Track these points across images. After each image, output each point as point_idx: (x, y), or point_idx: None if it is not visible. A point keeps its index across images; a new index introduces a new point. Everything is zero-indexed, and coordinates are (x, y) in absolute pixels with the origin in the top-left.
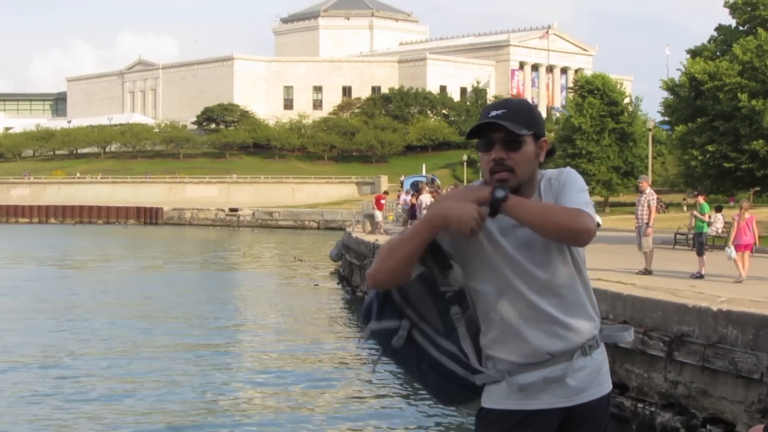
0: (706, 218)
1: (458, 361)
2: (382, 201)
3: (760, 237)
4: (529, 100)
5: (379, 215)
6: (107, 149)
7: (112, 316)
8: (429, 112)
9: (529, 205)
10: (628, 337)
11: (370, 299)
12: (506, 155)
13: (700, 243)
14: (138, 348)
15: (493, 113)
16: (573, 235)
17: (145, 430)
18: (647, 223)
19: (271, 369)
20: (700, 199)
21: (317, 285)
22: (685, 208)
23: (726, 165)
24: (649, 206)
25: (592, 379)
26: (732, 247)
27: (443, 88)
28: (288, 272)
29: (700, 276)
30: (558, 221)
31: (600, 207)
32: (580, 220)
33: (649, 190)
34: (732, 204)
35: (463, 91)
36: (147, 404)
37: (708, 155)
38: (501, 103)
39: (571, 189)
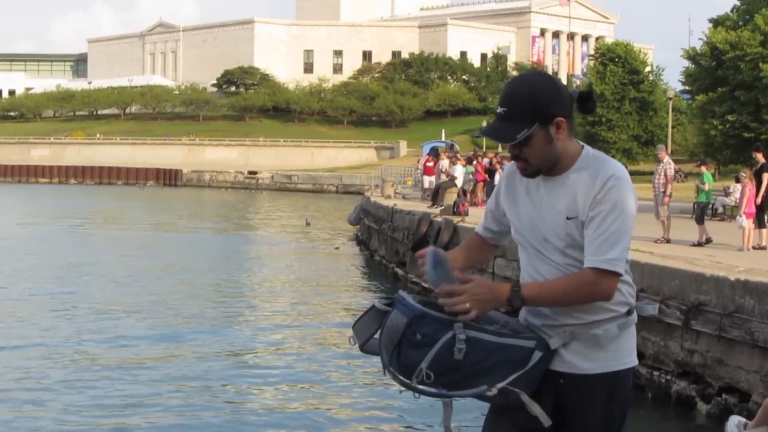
0: (705, 187)
1: (524, 337)
2: (430, 164)
3: None
4: (549, 69)
5: (428, 181)
6: (127, 111)
7: (122, 278)
8: (449, 77)
9: (547, 296)
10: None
11: (392, 345)
12: (518, 150)
13: (701, 211)
14: (148, 312)
15: (498, 110)
16: (595, 302)
17: (158, 391)
18: (664, 192)
19: (287, 335)
20: (703, 168)
21: (338, 248)
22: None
23: (746, 135)
24: (666, 175)
25: None
26: (743, 216)
27: (464, 54)
28: (305, 236)
29: (704, 242)
30: (577, 301)
31: None
32: (597, 292)
33: (666, 159)
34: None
35: (484, 57)
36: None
37: (728, 125)
38: (505, 94)
39: (602, 223)
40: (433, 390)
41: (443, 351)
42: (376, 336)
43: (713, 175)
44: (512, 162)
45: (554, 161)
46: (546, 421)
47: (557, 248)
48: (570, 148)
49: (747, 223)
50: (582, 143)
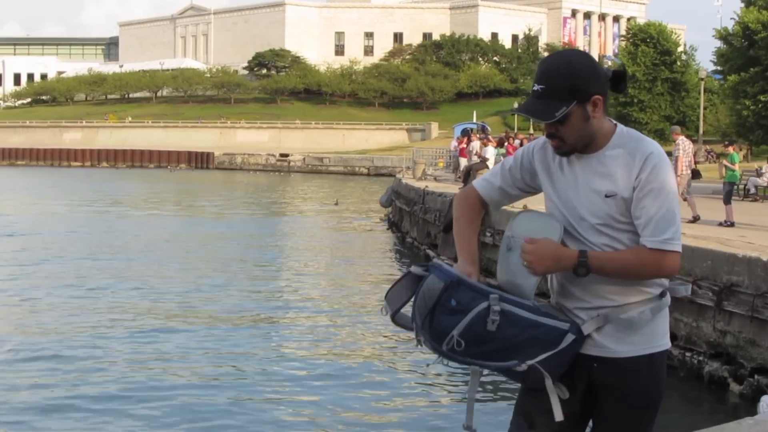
0: (736, 167)
1: (559, 318)
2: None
3: None
4: (583, 49)
5: (464, 163)
6: (159, 94)
7: (152, 261)
8: (480, 59)
9: (614, 268)
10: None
11: (426, 312)
12: (555, 129)
13: (728, 192)
14: (176, 293)
15: (535, 88)
16: (659, 278)
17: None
18: (675, 173)
19: (317, 317)
20: (731, 149)
21: (370, 230)
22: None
23: None
24: (677, 156)
25: None
26: None
27: (495, 35)
28: (337, 217)
29: (730, 224)
30: (641, 277)
31: None
32: (662, 269)
33: (680, 140)
34: None
35: (515, 38)
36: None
37: (760, 105)
38: (543, 71)
39: (654, 201)
40: (462, 358)
41: (476, 320)
42: (406, 309)
43: (746, 156)
44: (542, 138)
45: (589, 140)
46: (559, 415)
47: (592, 227)
48: (605, 127)
49: None
50: (615, 122)
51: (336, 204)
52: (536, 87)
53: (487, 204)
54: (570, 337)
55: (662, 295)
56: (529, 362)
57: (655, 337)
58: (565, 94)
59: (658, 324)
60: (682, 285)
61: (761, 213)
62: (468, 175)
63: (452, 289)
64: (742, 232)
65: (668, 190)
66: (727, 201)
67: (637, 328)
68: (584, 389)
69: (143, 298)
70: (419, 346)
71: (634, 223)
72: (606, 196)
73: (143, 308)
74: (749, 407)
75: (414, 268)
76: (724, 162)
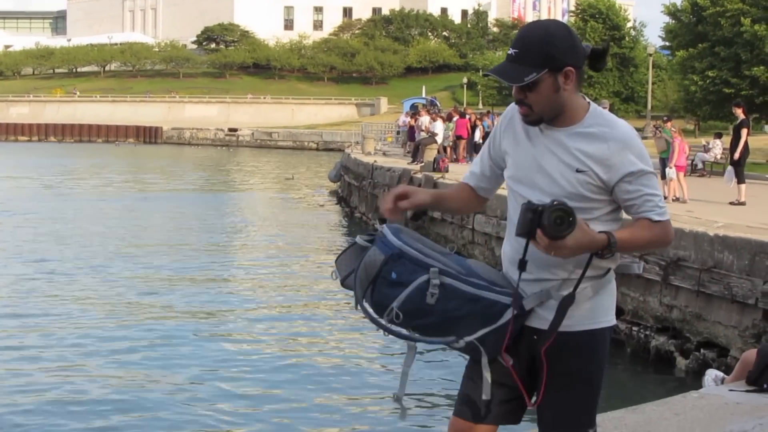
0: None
1: (501, 292)
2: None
3: (758, 164)
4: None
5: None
6: (107, 68)
7: (93, 243)
8: (430, 34)
9: (629, 248)
10: None
11: (372, 276)
12: (524, 95)
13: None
14: (125, 274)
15: (509, 52)
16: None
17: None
18: None
19: (265, 290)
20: (668, 125)
21: (322, 205)
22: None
23: (726, 91)
24: None
25: None
26: (674, 169)
27: (444, 11)
28: (287, 193)
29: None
30: (652, 248)
31: None
32: (669, 237)
33: None
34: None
35: (464, 13)
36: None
37: (708, 81)
38: (519, 37)
39: (647, 180)
40: (402, 331)
41: (416, 293)
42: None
43: (693, 131)
44: (512, 104)
45: (558, 111)
46: (487, 394)
47: (550, 199)
48: (576, 102)
49: (675, 175)
50: (589, 100)
51: (292, 178)
52: (511, 51)
53: (481, 195)
54: (511, 312)
55: (606, 272)
56: (467, 339)
57: (598, 313)
58: (538, 60)
59: (601, 301)
60: (634, 263)
61: (708, 188)
62: (417, 150)
63: (393, 261)
64: (689, 206)
65: (649, 169)
66: (663, 175)
67: (579, 303)
68: (528, 362)
69: (83, 284)
70: (358, 310)
71: (620, 201)
72: (577, 171)
73: (80, 297)
74: (695, 381)
75: (359, 239)
76: (666, 137)
